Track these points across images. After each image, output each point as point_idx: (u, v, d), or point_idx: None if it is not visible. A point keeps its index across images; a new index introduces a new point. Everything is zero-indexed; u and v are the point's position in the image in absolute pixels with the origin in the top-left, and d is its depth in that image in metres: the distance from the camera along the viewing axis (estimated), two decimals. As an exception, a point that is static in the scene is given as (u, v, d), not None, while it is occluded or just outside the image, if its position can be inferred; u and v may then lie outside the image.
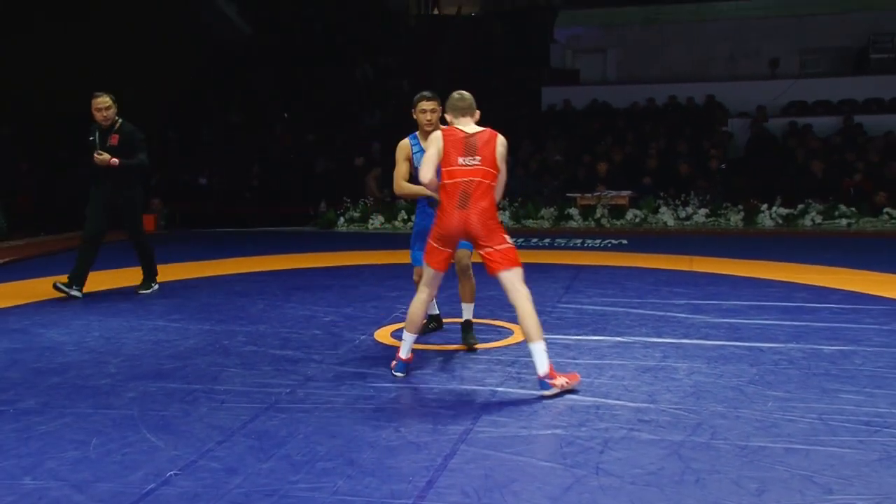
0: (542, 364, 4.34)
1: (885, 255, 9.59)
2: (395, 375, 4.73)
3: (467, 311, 5.48)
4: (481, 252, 4.55)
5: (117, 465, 3.42)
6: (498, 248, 4.49)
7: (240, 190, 15.37)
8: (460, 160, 4.50)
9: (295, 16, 22.78)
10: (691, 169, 14.22)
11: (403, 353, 4.75)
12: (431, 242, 4.62)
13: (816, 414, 3.97)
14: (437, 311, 5.89)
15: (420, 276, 4.94)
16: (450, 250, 4.62)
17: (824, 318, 6.15)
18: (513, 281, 4.47)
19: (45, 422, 3.98)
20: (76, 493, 3.16)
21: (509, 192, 14.10)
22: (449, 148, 4.52)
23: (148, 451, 3.57)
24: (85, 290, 7.57)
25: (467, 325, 5.47)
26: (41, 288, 7.76)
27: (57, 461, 3.48)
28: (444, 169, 4.55)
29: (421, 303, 4.71)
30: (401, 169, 5.27)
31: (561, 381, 4.35)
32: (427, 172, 4.54)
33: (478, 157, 4.50)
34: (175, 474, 3.32)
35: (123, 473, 3.34)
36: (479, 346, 5.40)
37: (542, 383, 4.34)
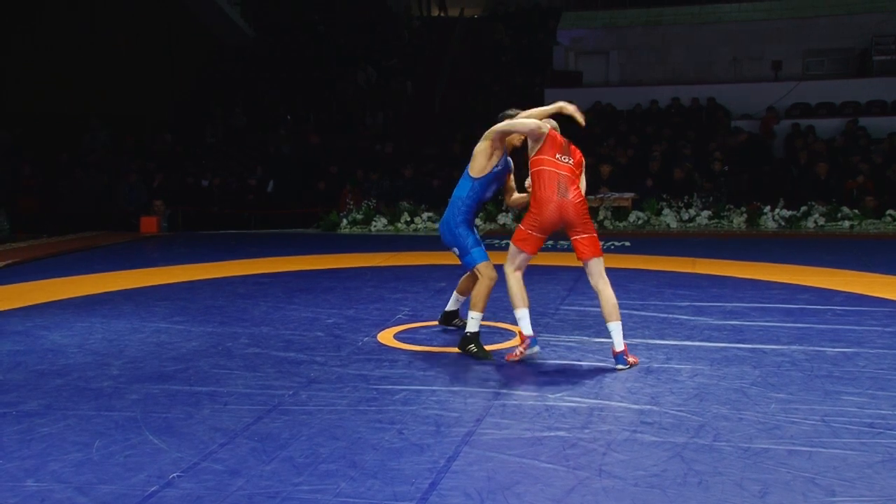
0: (619, 342, 5.00)
1: (888, 257, 9.57)
2: (532, 353, 5.10)
3: (457, 302, 5.91)
4: (574, 237, 5.13)
5: (120, 468, 3.43)
6: (590, 235, 5.11)
7: (242, 192, 15.37)
8: (558, 156, 5.16)
9: (297, 18, 22.82)
10: (683, 174, 14.19)
11: (527, 331, 5.11)
12: (529, 231, 5.15)
13: (819, 416, 3.97)
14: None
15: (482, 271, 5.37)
16: (545, 236, 5.20)
17: (827, 320, 6.15)
18: (598, 267, 5.11)
19: (48, 424, 3.99)
20: (79, 496, 3.16)
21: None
22: (551, 141, 5.19)
23: (150, 454, 3.58)
24: (87, 291, 7.59)
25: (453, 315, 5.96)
26: (43, 290, 7.77)
27: (59, 463, 3.48)
28: (541, 157, 5.16)
29: (518, 280, 5.18)
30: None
31: (632, 359, 5.02)
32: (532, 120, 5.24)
33: (571, 159, 5.20)
34: (178, 476, 3.32)
35: (126, 475, 3.34)
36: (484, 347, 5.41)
37: (619, 358, 4.98)
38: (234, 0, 21.02)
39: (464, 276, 5.81)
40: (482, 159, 5.42)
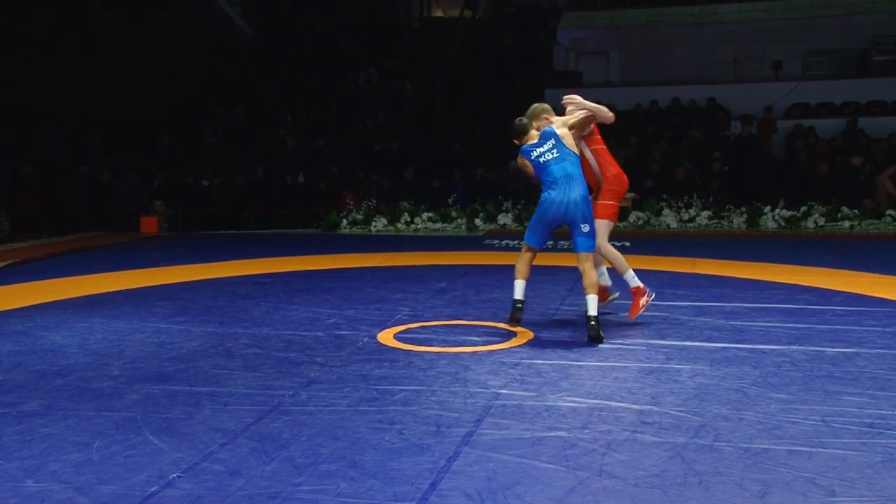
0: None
1: (888, 258, 9.58)
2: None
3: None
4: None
5: (120, 468, 3.43)
6: None
7: (243, 192, 15.38)
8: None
9: (298, 19, 22.82)
10: (688, 175, 14.19)
11: (639, 283, 6.12)
12: (613, 203, 6.08)
13: (819, 416, 3.97)
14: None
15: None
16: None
17: (827, 321, 6.15)
18: None
19: (48, 424, 3.99)
20: (79, 496, 3.16)
21: (513, 193, 14.16)
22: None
23: (151, 454, 3.58)
24: (87, 292, 7.59)
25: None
26: (44, 290, 7.77)
27: (59, 464, 3.49)
28: (597, 137, 6.12)
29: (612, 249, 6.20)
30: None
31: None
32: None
33: None
34: (178, 477, 3.32)
35: (126, 476, 3.34)
36: (484, 347, 5.42)
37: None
38: (234, 0, 21.02)
39: (525, 261, 5.84)
40: (573, 139, 5.84)
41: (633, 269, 6.18)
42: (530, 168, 5.89)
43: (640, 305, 6.06)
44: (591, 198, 5.85)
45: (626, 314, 6.13)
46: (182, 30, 20.26)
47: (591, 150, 6.08)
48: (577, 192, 5.60)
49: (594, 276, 5.67)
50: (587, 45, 20.16)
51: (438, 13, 25.46)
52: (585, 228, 5.62)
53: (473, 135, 16.95)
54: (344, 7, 23.32)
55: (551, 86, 18.88)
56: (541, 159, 5.75)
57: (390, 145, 16.70)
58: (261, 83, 20.12)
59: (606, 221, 6.08)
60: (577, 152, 5.78)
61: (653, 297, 6.15)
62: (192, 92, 20.26)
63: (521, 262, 5.87)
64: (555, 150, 5.72)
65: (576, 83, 19.20)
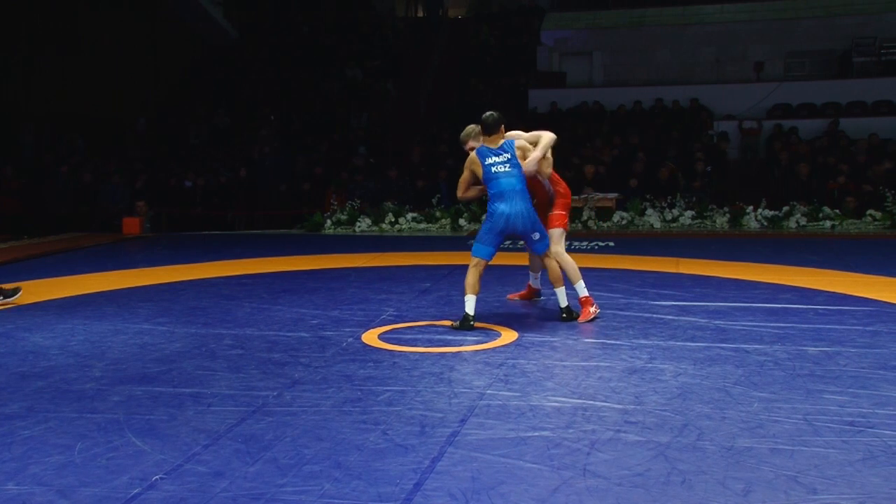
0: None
1: (869, 257, 9.66)
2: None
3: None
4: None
5: (102, 470, 3.40)
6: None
7: (226, 193, 15.31)
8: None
9: (282, 18, 22.75)
10: (671, 175, 14.27)
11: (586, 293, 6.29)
12: (566, 213, 6.44)
13: (801, 415, 4.00)
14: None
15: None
16: None
17: (809, 320, 6.19)
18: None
19: (29, 426, 3.96)
20: (60, 499, 3.14)
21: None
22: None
23: (133, 456, 3.56)
24: (69, 293, 7.54)
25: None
26: (25, 292, 7.70)
27: (41, 466, 3.46)
28: (549, 159, 6.27)
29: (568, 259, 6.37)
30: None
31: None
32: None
33: None
34: (161, 478, 3.30)
35: (108, 478, 3.32)
36: (469, 347, 5.42)
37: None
38: (217, 0, 20.93)
39: (477, 276, 6.01)
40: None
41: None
42: (479, 169, 6.04)
43: (591, 313, 6.21)
44: (546, 209, 6.41)
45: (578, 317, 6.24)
46: (166, 30, 20.16)
47: (544, 173, 6.31)
48: (522, 204, 5.97)
49: (558, 270, 6.21)
50: (570, 45, 20.21)
51: (423, 13, 25.43)
52: (536, 237, 6.10)
53: (458, 136, 16.92)
54: (329, 7, 23.26)
55: (535, 86, 18.93)
56: (492, 168, 6.01)
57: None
58: (244, 83, 20.05)
59: (560, 230, 6.41)
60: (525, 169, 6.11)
61: (598, 312, 6.27)
62: (175, 93, 20.16)
63: (473, 277, 5.99)
64: (508, 165, 6.02)
65: (559, 83, 19.26)
